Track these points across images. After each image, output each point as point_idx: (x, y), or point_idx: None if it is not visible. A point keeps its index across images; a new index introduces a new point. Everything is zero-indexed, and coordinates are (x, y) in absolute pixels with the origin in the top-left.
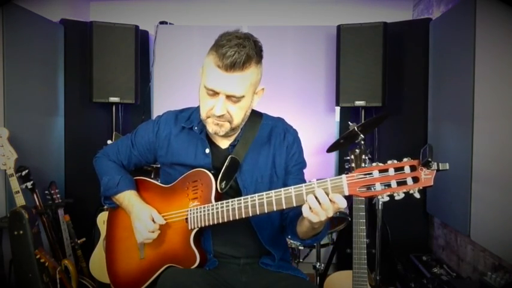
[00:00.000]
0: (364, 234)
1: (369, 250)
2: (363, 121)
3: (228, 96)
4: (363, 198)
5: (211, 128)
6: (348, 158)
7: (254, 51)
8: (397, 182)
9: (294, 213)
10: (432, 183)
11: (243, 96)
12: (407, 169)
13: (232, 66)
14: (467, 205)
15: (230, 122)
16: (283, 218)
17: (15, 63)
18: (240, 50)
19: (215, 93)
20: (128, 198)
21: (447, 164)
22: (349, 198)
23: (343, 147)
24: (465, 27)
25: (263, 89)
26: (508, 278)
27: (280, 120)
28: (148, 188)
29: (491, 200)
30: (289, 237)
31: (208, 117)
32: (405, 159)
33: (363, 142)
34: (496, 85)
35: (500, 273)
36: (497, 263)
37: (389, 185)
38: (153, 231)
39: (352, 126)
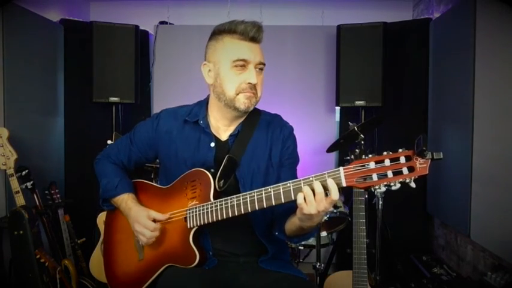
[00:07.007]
0: (364, 234)
1: (369, 250)
2: (362, 121)
3: (255, 66)
4: (363, 198)
5: (242, 103)
6: (348, 158)
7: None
8: (393, 172)
9: (283, 209)
10: (427, 172)
11: (264, 65)
12: (402, 159)
13: (257, 36)
14: (467, 205)
15: (255, 96)
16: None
17: (15, 63)
18: (256, 23)
19: (243, 66)
20: (125, 201)
21: (441, 152)
22: (349, 199)
23: (343, 147)
24: (465, 27)
25: None
26: (508, 278)
27: (277, 116)
28: (147, 190)
29: (491, 200)
30: (276, 233)
31: (238, 93)
32: (400, 150)
33: (362, 142)
34: (496, 85)
35: (500, 273)
36: (497, 263)
37: (385, 175)
38: (153, 230)
39: (352, 126)
